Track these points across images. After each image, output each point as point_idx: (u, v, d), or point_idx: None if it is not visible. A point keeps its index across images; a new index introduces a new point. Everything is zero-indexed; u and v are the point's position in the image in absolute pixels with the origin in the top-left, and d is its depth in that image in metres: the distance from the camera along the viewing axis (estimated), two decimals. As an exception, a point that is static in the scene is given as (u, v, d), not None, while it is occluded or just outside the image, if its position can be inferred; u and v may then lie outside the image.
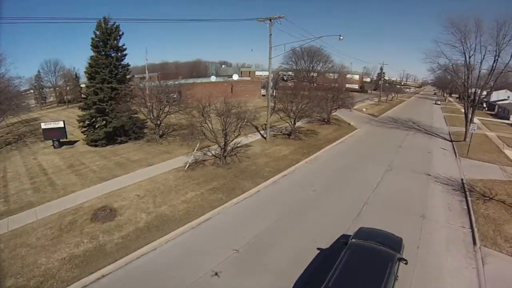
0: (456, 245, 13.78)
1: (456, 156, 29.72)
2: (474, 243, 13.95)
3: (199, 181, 19.31)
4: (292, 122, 31.22)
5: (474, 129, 30.60)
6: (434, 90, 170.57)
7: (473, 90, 36.09)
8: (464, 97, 36.91)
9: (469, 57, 33.77)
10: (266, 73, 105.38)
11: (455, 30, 33.23)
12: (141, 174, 20.78)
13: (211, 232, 14.25)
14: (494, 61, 32.57)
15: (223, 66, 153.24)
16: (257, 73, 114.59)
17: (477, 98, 36.24)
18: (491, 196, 19.14)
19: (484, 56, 33.04)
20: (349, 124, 41.37)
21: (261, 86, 72.45)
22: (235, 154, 24.48)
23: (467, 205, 17.75)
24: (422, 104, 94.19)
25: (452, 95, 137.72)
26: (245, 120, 23.32)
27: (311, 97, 32.99)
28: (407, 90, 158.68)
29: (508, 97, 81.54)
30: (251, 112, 25.48)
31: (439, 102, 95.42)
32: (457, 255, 12.99)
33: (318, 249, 12.71)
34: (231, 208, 16.59)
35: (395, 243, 9.98)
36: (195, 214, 15.35)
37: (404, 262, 9.33)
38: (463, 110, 79.74)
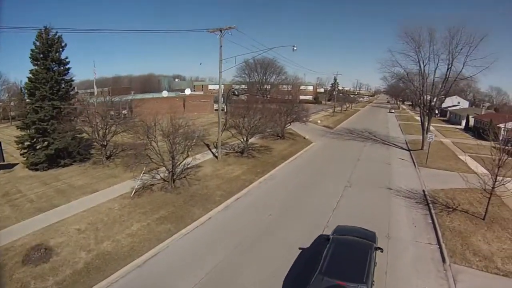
0: (425, 265, 13.60)
1: (415, 166, 31.03)
2: (443, 260, 13.93)
3: (146, 209, 18.42)
4: (245, 139, 30.69)
5: (431, 138, 32.28)
6: (387, 98, 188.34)
7: (428, 98, 39.13)
8: (419, 106, 39.48)
9: (424, 66, 36.91)
10: (215, 87, 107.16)
11: (409, 40, 36.18)
12: (83, 202, 19.71)
13: (158, 271, 12.92)
14: (448, 69, 35.93)
15: (176, 80, 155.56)
16: (210, 86, 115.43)
17: (432, 106, 39.25)
18: (454, 207, 19.79)
19: (437, 64, 36.40)
20: (304, 137, 41.87)
21: (214, 101, 72.98)
22: (184, 177, 23.41)
23: (432, 219, 18.06)
24: (376, 113, 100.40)
25: (405, 102, 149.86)
26: (194, 141, 22.45)
27: (264, 112, 32.84)
28: (361, 99, 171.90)
29: (458, 102, 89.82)
30: (201, 131, 25.18)
31: (393, 110, 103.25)
32: (427, 277, 12.75)
33: (300, 248, 14.48)
34: (180, 240, 15.64)
35: (371, 236, 12.28)
36: (140, 250, 14.30)
37: (380, 250, 11.91)
38: (417, 118, 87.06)
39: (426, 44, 35.49)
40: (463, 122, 71.71)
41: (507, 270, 13.13)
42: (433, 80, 37.80)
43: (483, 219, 18.16)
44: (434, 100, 38.97)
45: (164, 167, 21.83)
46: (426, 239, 15.89)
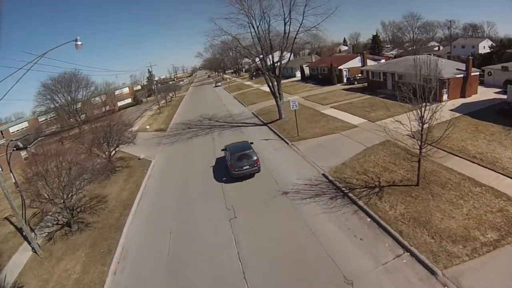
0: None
1: (288, 143, 29.22)
2: (434, 273, 11.69)
3: None
4: (64, 208, 21.84)
5: (295, 105, 30.56)
6: (206, 73, 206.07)
7: (274, 61, 39.94)
8: (263, 72, 39.28)
9: (257, 27, 36.64)
10: (20, 126, 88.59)
11: (234, 1, 35.23)
12: None
13: None
14: (285, 24, 36.44)
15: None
16: (13, 128, 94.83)
17: (280, 69, 39.92)
18: (377, 184, 18.23)
19: (269, 22, 37.00)
20: (139, 158, 35.23)
21: (16, 148, 56.11)
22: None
23: (370, 216, 15.55)
24: (203, 92, 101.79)
25: (226, 72, 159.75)
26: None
27: (73, 160, 24.56)
28: (181, 82, 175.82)
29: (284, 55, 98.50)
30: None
31: (219, 84, 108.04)
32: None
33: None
34: None
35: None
36: None
37: (252, 143, 26.45)
38: (247, 83, 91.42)
39: (256, 2, 35.60)
40: (298, 74, 78.21)
41: (492, 240, 12.75)
42: (269, 39, 38.33)
43: (417, 185, 17.25)
44: (280, 62, 39.74)
45: None
46: (389, 251, 13.14)
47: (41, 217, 24.02)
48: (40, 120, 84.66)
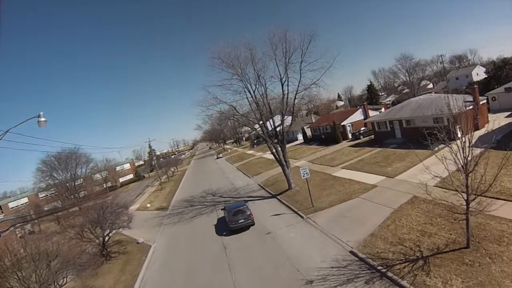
0: None
1: (303, 217, 26.60)
2: None
3: None
4: None
5: (306, 173, 28.39)
6: (207, 145, 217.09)
7: (275, 126, 38.74)
8: (265, 139, 37.92)
9: (254, 91, 36.13)
10: (19, 202, 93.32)
11: (226, 66, 34.92)
12: None
13: None
14: (282, 84, 36.02)
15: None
16: (12, 203, 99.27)
17: (283, 134, 38.52)
18: (419, 255, 15.68)
19: (266, 85, 36.53)
20: (137, 242, 32.59)
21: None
22: None
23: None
24: (205, 164, 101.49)
25: (227, 142, 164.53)
26: None
27: (53, 250, 22.29)
28: (183, 156, 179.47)
29: (285, 119, 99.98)
30: None
31: (221, 155, 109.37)
32: None
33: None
34: None
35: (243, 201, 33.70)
36: None
37: (246, 201, 34.73)
38: (249, 152, 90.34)
39: (249, 65, 35.57)
40: (300, 136, 77.56)
41: None
42: (268, 103, 37.70)
43: (467, 247, 14.98)
44: (282, 126, 38.70)
45: None
46: None
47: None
48: (40, 196, 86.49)
